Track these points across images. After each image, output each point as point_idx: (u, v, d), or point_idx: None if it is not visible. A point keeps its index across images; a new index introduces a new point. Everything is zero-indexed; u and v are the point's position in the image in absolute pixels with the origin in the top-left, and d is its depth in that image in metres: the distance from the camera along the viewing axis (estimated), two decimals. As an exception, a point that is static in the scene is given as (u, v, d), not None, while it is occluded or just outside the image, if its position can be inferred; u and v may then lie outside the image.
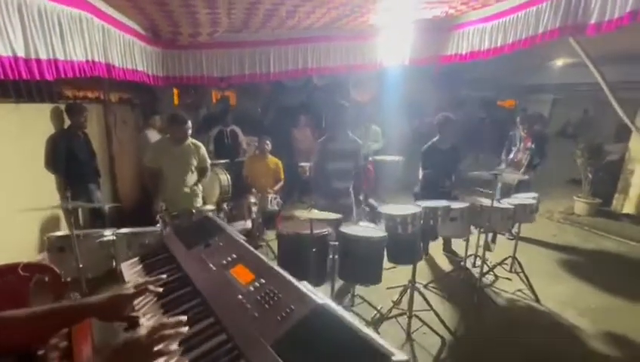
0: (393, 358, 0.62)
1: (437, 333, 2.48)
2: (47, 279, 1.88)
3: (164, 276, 0.92)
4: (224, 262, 1.03)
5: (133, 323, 0.86)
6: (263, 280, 0.90)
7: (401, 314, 2.54)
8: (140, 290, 0.86)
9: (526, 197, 3.23)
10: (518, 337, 2.58)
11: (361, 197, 3.11)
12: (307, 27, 3.97)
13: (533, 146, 3.93)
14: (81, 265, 1.90)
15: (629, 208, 4.82)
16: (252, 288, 0.88)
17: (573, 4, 2.66)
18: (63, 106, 3.68)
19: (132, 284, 0.89)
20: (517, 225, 3.19)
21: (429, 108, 9.35)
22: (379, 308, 2.72)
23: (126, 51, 3.07)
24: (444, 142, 3.47)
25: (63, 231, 2.41)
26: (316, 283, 2.27)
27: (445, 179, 3.42)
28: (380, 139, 5.68)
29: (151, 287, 0.87)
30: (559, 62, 8.02)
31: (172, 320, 0.74)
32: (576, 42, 4.18)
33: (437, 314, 2.60)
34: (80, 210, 3.85)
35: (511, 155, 4.09)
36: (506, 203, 3.05)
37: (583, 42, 3.64)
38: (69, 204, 1.85)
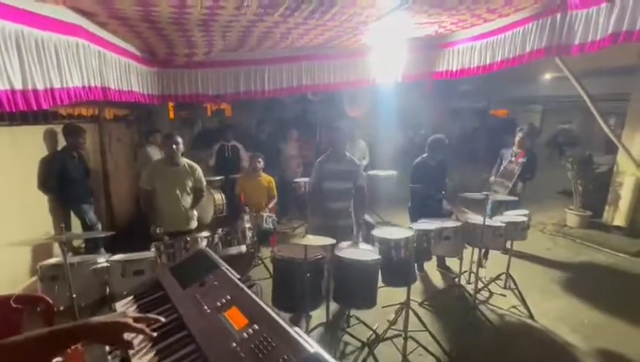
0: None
1: (432, 354, 2.48)
2: (39, 309, 1.87)
3: (163, 319, 0.91)
4: (218, 304, 1.04)
5: (127, 348, 0.87)
6: (256, 326, 0.92)
7: (396, 336, 2.55)
8: (139, 328, 0.86)
9: (517, 215, 3.28)
10: (513, 355, 2.60)
11: (368, 218, 3.19)
12: (301, 46, 4.05)
13: (525, 161, 4.02)
14: (74, 295, 1.89)
15: (619, 220, 4.90)
16: (246, 334, 0.90)
17: (557, 25, 2.76)
18: (59, 128, 3.69)
19: (132, 315, 0.89)
20: (510, 242, 3.23)
21: (423, 120, 9.50)
22: (374, 327, 2.72)
23: (122, 73, 3.10)
24: (433, 159, 3.66)
25: (56, 257, 2.39)
26: (311, 306, 2.28)
27: (433, 191, 3.62)
28: (367, 155, 5.74)
29: (147, 331, 0.88)
30: (548, 76, 8.24)
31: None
32: (562, 60, 4.32)
33: (432, 335, 2.61)
34: (74, 228, 3.84)
35: (502, 168, 4.17)
36: (498, 221, 3.10)
37: (569, 58, 3.76)
38: (63, 237, 1.85)
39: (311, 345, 0.83)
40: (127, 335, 0.90)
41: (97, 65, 2.65)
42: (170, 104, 7.01)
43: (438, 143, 3.59)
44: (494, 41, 3.39)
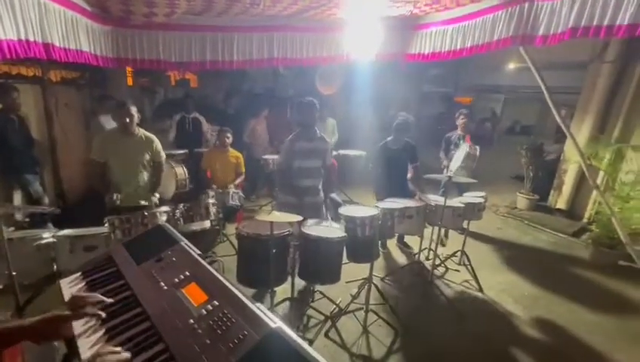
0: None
1: (391, 325, 2.63)
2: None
3: (109, 300, 0.88)
4: (176, 280, 1.00)
5: (70, 344, 0.84)
6: (216, 302, 0.89)
7: (358, 309, 2.66)
8: (79, 314, 0.83)
9: (475, 196, 3.48)
10: (464, 324, 2.83)
11: (336, 197, 3.16)
12: (274, 16, 3.83)
13: (474, 145, 4.22)
14: (14, 273, 1.73)
15: (561, 204, 5.39)
16: (204, 311, 0.87)
17: (525, 15, 2.85)
18: (-10, 87, 3.25)
19: (70, 303, 0.85)
20: (467, 222, 3.44)
21: (393, 101, 9.61)
22: (338, 301, 2.82)
23: (68, 29, 2.74)
24: (396, 142, 3.62)
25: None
26: (276, 282, 2.29)
27: (394, 176, 3.60)
28: (335, 133, 5.71)
29: (88, 309, 0.85)
30: (511, 65, 8.61)
31: (116, 350, 0.72)
32: (525, 50, 4.49)
33: (391, 308, 2.76)
34: (17, 202, 3.49)
35: (455, 153, 4.29)
36: (457, 202, 3.26)
37: (531, 50, 3.94)
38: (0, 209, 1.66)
39: (273, 320, 0.82)
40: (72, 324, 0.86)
41: (37, 17, 2.32)
42: (129, 69, 6.43)
43: (402, 126, 3.55)
44: (465, 27, 3.43)
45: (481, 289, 3.31)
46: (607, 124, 4.97)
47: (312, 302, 2.86)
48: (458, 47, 3.54)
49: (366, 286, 2.63)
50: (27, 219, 3.72)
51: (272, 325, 0.80)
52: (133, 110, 2.81)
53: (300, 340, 0.77)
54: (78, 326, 0.86)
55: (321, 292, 2.91)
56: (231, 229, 3.99)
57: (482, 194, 3.58)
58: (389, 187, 3.51)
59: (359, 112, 7.49)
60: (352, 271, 2.95)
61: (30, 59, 3.88)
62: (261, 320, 0.81)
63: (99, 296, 0.88)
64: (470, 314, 2.96)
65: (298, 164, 2.91)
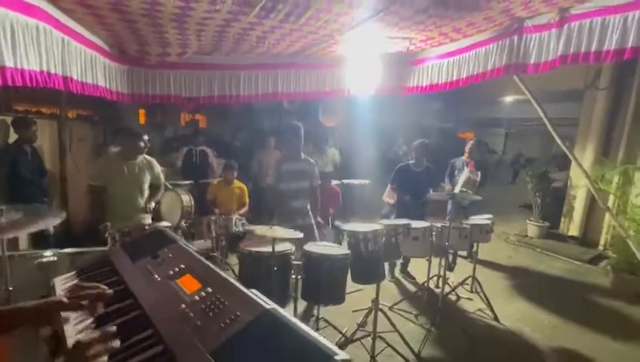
0: (336, 357, 0.62)
1: (400, 354, 2.45)
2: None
3: (110, 290, 0.84)
4: (171, 272, 0.97)
5: (58, 339, 0.81)
6: (209, 289, 0.86)
7: (365, 337, 2.50)
8: (78, 304, 0.80)
9: (481, 218, 3.42)
10: (480, 355, 2.62)
11: (320, 220, 3.14)
12: (278, 54, 4.11)
13: (479, 171, 4.25)
14: (11, 288, 1.70)
15: (573, 230, 5.23)
16: (197, 297, 0.84)
17: (515, 46, 3.01)
18: (8, 120, 3.45)
19: (67, 292, 0.84)
20: (475, 246, 3.34)
21: (395, 135, 9.83)
22: (344, 330, 2.66)
23: (87, 66, 2.96)
24: (419, 165, 3.69)
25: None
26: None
27: (414, 199, 3.60)
28: (337, 163, 5.78)
29: (87, 303, 0.82)
30: (509, 98, 8.88)
31: (100, 333, 0.69)
32: (520, 81, 4.67)
33: (401, 335, 2.59)
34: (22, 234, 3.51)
35: (458, 179, 4.31)
36: (463, 223, 3.20)
37: (527, 81, 4.11)
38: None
39: (267, 303, 0.79)
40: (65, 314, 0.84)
41: (59, 53, 2.53)
42: (141, 110, 6.80)
43: (421, 146, 3.64)
44: (460, 59, 3.61)
45: (496, 318, 3.11)
46: (610, 148, 4.99)
47: (317, 330, 2.70)
48: (454, 78, 3.70)
49: (373, 312, 2.49)
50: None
51: (266, 306, 0.76)
52: (142, 141, 2.91)
53: (296, 320, 0.73)
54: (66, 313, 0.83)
55: (326, 321, 2.76)
56: (233, 259, 3.91)
57: (488, 216, 3.51)
58: (406, 208, 3.49)
59: (361, 143, 7.66)
60: (359, 301, 2.83)
61: (51, 94, 4.14)
62: (255, 302, 0.78)
63: (100, 286, 0.82)
64: (485, 344, 2.75)
65: (287, 186, 2.95)
